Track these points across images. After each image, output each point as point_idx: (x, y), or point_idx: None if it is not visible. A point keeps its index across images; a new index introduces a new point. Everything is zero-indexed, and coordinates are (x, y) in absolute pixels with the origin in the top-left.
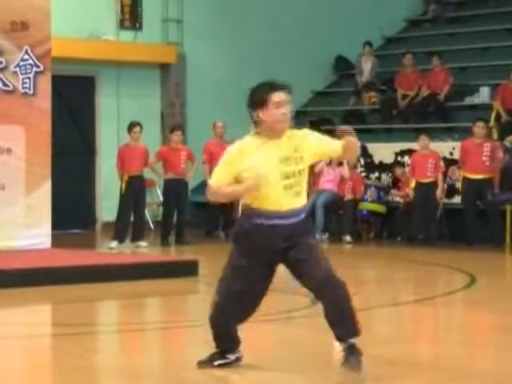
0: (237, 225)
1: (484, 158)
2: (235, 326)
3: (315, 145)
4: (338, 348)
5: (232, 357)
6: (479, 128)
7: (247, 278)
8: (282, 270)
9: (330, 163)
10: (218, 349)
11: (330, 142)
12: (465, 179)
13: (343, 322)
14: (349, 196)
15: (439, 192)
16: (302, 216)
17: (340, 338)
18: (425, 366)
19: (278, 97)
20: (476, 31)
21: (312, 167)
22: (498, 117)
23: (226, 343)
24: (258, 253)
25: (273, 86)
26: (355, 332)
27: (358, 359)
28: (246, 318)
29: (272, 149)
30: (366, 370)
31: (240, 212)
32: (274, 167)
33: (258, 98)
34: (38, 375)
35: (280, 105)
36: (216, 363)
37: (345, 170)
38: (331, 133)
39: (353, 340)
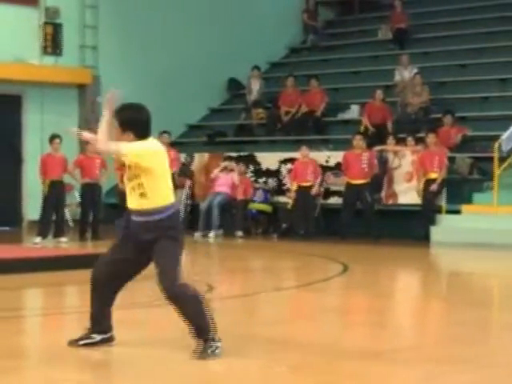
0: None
1: (363, 166)
2: (107, 306)
3: None
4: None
5: (98, 337)
6: (357, 140)
7: (121, 253)
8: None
9: (223, 169)
10: (88, 329)
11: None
12: (347, 184)
13: (193, 326)
14: (240, 197)
15: (314, 190)
16: (156, 217)
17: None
18: (302, 342)
19: None
20: (347, 58)
21: (208, 173)
22: (366, 130)
23: (95, 323)
24: (130, 241)
25: None
26: (202, 335)
27: (204, 353)
28: (116, 294)
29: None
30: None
31: None
32: (126, 172)
33: None
34: None
35: None
36: (81, 342)
37: (235, 177)
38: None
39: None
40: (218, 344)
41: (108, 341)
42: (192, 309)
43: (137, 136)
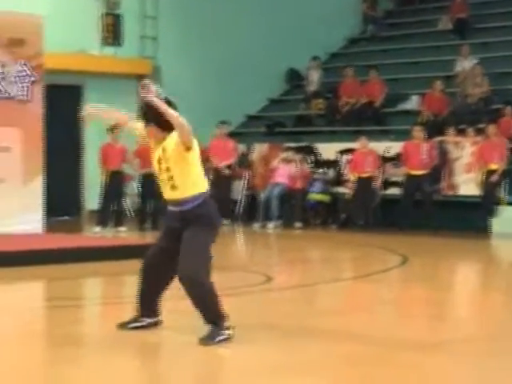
0: None
1: (423, 156)
2: (157, 294)
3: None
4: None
5: (146, 321)
6: (417, 131)
7: (163, 243)
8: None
9: (283, 160)
10: (137, 314)
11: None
12: (407, 175)
13: (200, 311)
14: (299, 188)
15: (377, 183)
16: (188, 207)
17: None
18: (358, 333)
19: None
20: (407, 48)
21: (267, 164)
22: (425, 120)
23: (144, 308)
24: (168, 227)
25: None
26: (209, 320)
27: (214, 339)
28: (164, 281)
29: (156, 149)
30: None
31: None
32: (156, 166)
33: None
34: (30, 341)
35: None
36: (131, 325)
37: (294, 168)
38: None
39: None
40: (229, 332)
41: (155, 324)
42: (205, 297)
43: (164, 130)
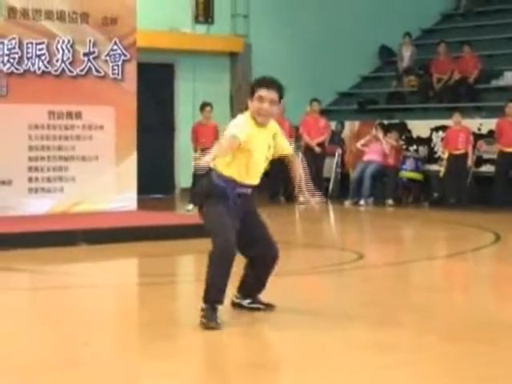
0: None
1: None
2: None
3: (280, 141)
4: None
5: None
6: (510, 108)
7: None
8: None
9: (374, 138)
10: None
11: (286, 144)
12: (500, 152)
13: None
14: (391, 165)
15: (470, 162)
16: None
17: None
18: (455, 312)
19: (262, 92)
20: (501, 23)
21: (354, 142)
22: None
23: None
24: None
25: (261, 82)
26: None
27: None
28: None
29: (262, 133)
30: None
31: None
32: (262, 149)
33: (250, 89)
34: (124, 317)
35: (262, 100)
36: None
37: (386, 145)
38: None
39: None
40: None
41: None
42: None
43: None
